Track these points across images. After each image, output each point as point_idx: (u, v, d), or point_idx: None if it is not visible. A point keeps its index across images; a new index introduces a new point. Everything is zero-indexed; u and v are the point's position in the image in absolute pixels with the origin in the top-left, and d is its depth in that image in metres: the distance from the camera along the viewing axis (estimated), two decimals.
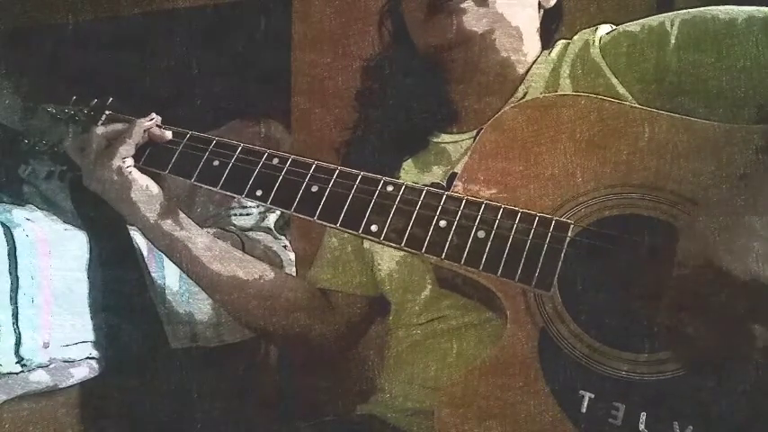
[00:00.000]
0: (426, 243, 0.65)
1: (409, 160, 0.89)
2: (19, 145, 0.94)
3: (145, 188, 0.82)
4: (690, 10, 0.72)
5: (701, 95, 0.68)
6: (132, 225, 0.88)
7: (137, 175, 0.82)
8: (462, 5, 0.78)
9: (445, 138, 0.87)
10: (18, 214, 0.95)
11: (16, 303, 0.88)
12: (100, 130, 0.84)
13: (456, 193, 0.68)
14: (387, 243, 0.68)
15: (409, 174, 0.88)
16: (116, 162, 0.80)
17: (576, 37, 0.82)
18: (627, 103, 0.69)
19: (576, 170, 0.66)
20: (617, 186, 0.64)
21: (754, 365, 0.54)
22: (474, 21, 0.79)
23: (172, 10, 1.74)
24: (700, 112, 0.66)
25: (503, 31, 0.81)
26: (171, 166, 0.80)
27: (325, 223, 0.70)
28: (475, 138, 0.78)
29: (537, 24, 0.87)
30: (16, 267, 0.88)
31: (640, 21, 0.76)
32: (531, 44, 0.86)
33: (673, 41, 0.70)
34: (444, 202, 0.67)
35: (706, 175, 0.60)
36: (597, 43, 0.77)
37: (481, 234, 0.64)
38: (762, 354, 0.52)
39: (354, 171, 0.71)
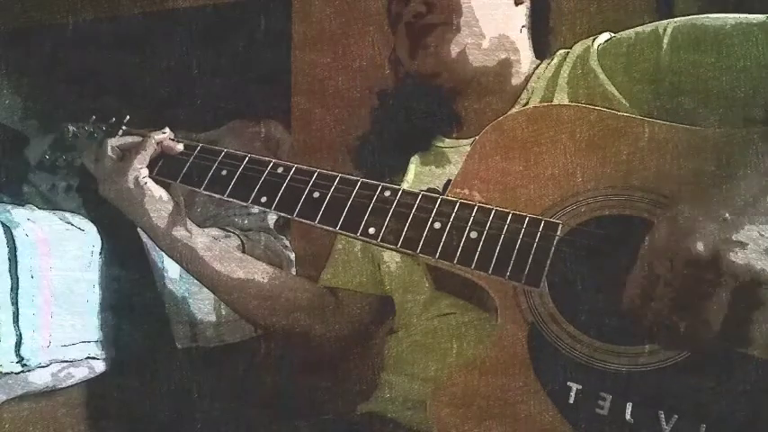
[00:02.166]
0: (421, 244, 0.68)
1: (417, 159, 0.91)
2: (41, 161, 1.00)
3: (158, 197, 0.86)
4: (683, 17, 0.74)
5: (701, 96, 0.69)
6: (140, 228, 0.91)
7: (152, 185, 0.86)
8: (438, 38, 0.83)
9: (447, 142, 0.90)
10: (18, 214, 0.94)
11: (16, 303, 0.88)
12: (114, 141, 0.89)
13: (451, 196, 0.70)
14: (383, 245, 0.70)
15: (416, 167, 0.90)
16: (132, 173, 0.85)
17: (576, 45, 0.84)
18: (625, 114, 0.70)
19: (575, 170, 0.67)
20: (617, 187, 0.64)
21: (752, 362, 0.54)
22: (453, 48, 0.83)
23: (172, 10, 1.74)
24: (699, 113, 0.67)
25: (484, 44, 0.85)
26: (182, 176, 0.84)
27: (324, 227, 0.73)
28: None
29: (521, 22, 0.89)
30: (16, 267, 0.88)
31: (635, 28, 0.77)
32: (519, 44, 0.89)
33: (665, 45, 0.72)
34: (439, 205, 0.69)
35: (705, 176, 0.61)
36: (595, 51, 0.78)
37: (474, 234, 0.66)
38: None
39: (354, 177, 0.74)
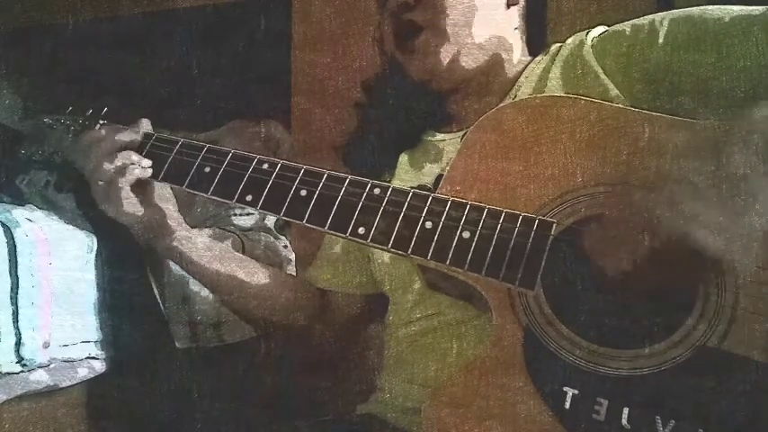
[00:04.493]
0: (412, 244, 0.66)
1: (405, 156, 0.90)
2: (17, 155, 0.95)
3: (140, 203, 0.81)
4: (680, 9, 0.72)
5: (701, 96, 0.68)
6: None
7: (134, 200, 0.81)
8: (426, 46, 0.82)
9: (439, 136, 0.89)
10: (18, 214, 0.94)
11: (16, 303, 0.88)
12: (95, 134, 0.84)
13: (442, 194, 0.68)
14: (374, 245, 0.68)
15: (403, 166, 0.89)
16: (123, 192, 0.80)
17: (569, 39, 0.82)
18: (625, 107, 0.69)
19: (575, 169, 0.66)
20: (617, 186, 0.64)
21: (750, 365, 0.54)
22: (444, 56, 0.82)
23: (172, 10, 1.74)
24: (700, 113, 0.66)
25: (475, 49, 0.83)
26: (163, 173, 0.81)
27: (313, 226, 0.71)
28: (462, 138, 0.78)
29: (513, 24, 0.88)
30: (16, 267, 0.88)
31: (631, 21, 0.76)
32: (513, 44, 0.87)
33: (661, 41, 0.71)
34: (430, 204, 0.67)
35: (705, 174, 0.60)
36: (590, 44, 0.77)
37: (466, 234, 0.65)
38: None
39: (342, 174, 0.72)
